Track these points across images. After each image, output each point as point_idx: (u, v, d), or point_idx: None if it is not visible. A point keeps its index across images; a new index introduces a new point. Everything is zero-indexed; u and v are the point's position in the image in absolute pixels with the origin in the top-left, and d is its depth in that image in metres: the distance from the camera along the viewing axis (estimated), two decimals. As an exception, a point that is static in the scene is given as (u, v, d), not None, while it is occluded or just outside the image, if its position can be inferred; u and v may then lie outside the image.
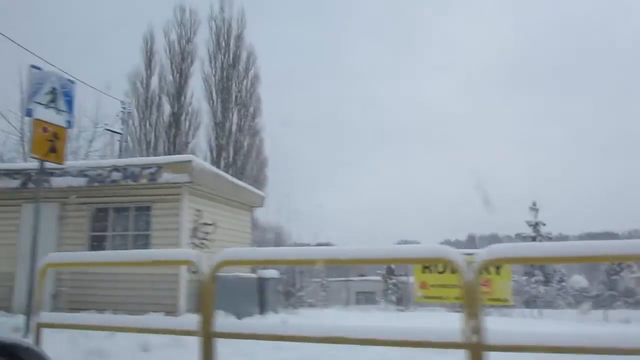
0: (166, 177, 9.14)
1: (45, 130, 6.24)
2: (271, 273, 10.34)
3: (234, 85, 32.92)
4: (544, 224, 26.68)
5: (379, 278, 31.94)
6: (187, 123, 32.21)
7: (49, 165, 10.12)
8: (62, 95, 6.45)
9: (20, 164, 10.63)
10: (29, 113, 6.11)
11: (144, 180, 9.30)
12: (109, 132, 26.03)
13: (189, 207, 9.58)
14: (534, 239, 25.97)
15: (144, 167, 9.34)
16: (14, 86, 19.71)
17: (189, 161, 9.15)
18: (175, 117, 32.64)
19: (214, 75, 32.80)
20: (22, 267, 10.01)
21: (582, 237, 30.17)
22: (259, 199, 12.66)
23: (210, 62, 32.80)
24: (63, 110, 6.45)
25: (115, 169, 9.45)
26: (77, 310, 9.08)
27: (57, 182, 9.77)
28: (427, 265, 10.68)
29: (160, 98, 32.67)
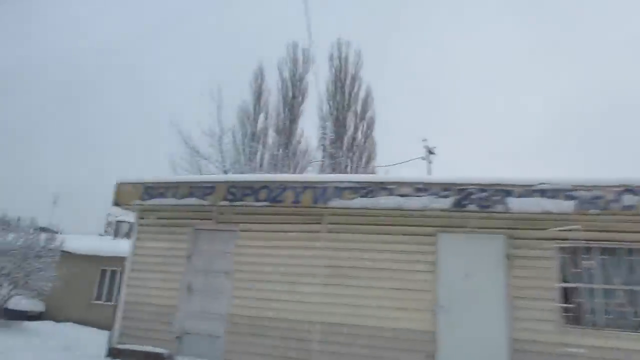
0: None
1: None
2: None
3: (351, 127, 31.78)
4: None
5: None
6: (295, 162, 30.71)
7: (499, 181, 7.09)
8: None
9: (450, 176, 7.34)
10: None
11: (686, 208, 6.15)
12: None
13: None
14: None
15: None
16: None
17: None
18: (283, 155, 31.27)
19: (331, 115, 31.73)
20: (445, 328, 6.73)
21: None
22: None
23: (329, 102, 31.85)
24: None
25: (629, 189, 6.34)
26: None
27: (513, 204, 6.64)
28: None
29: (266, 135, 31.44)
